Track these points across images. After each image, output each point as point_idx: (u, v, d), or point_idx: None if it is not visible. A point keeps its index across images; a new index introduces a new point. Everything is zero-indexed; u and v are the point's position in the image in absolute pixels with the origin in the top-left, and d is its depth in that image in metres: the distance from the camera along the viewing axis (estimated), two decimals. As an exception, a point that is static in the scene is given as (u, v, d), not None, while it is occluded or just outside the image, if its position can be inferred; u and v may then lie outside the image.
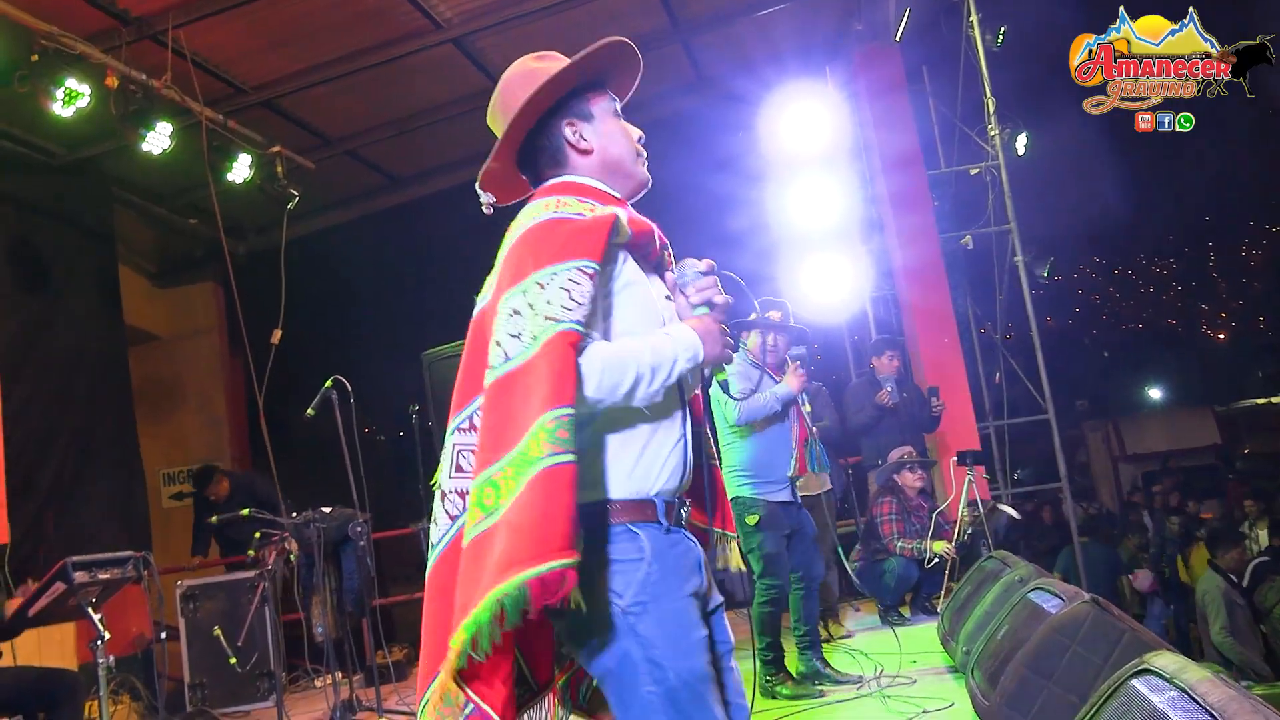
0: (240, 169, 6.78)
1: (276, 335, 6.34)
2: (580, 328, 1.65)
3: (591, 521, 1.68)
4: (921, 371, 7.82)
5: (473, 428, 1.77)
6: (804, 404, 4.75)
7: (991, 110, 7.96)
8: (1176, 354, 29.25)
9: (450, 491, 1.81)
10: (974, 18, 7.84)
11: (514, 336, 1.66)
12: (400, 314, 9.85)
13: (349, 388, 5.02)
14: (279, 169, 6.95)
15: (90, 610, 4.04)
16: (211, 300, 9.45)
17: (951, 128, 8.46)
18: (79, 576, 3.99)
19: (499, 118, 1.94)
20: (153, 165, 6.32)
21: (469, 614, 1.54)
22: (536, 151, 1.93)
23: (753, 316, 4.81)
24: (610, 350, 1.69)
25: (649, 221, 1.92)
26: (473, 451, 1.74)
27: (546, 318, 1.64)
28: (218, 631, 6.13)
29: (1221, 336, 32.59)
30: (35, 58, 5.31)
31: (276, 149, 6.95)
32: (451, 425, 1.83)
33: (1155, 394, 26.90)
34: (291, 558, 5.51)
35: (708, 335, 1.79)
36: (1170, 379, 27.29)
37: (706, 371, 1.88)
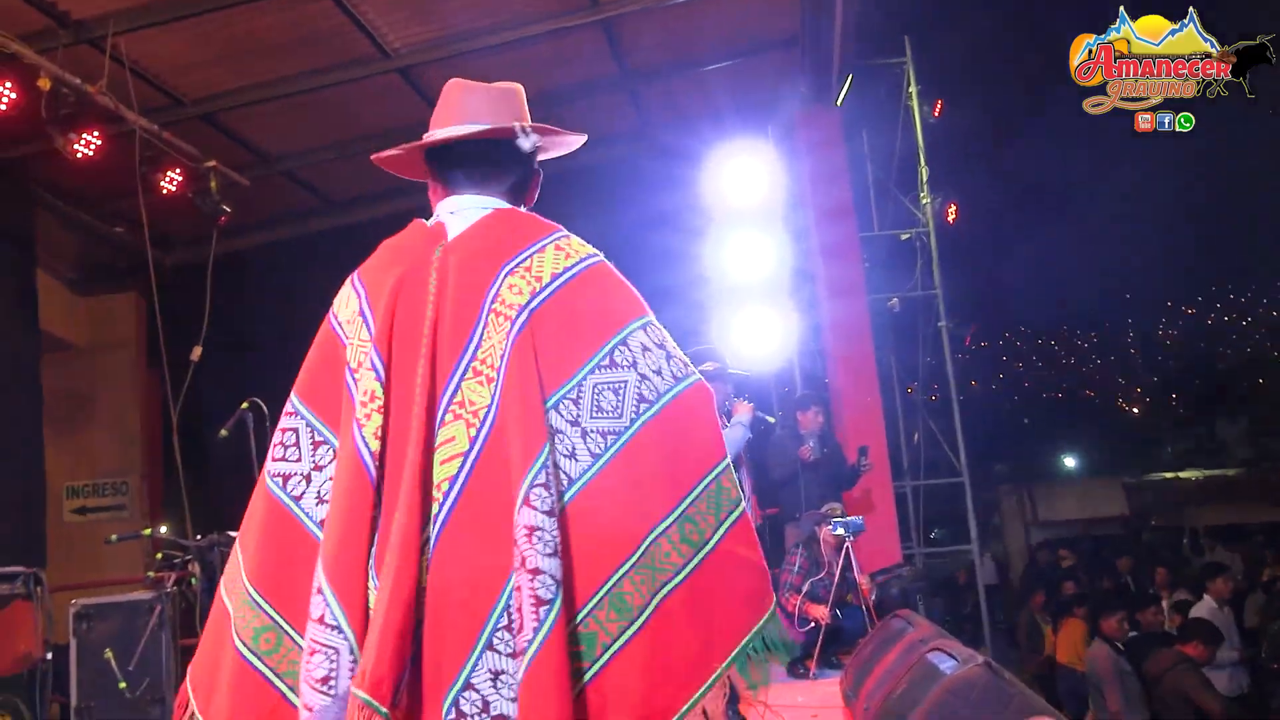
0: (171, 181, 6.67)
1: (197, 352, 6.20)
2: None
3: None
4: (844, 427, 7.93)
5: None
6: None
7: (924, 178, 8.23)
8: (1093, 425, 30.09)
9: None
10: (913, 89, 8.13)
11: (667, 373, 1.65)
12: (323, 340, 9.68)
13: (265, 411, 4.93)
14: (213, 184, 6.84)
15: (-27, 626, 3.88)
16: (132, 312, 9.22)
17: (885, 191, 8.69)
18: (-36, 590, 3.85)
19: (497, 108, 1.86)
20: (80, 170, 6.19)
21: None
22: (515, 172, 1.89)
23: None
24: None
25: None
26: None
27: (685, 363, 1.68)
28: (109, 654, 5.91)
29: (1135, 410, 33.64)
30: (-35, 53, 5.20)
31: (211, 164, 6.85)
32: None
33: (1070, 463, 27.59)
34: (193, 581, 5.35)
35: None
36: (1085, 449, 28.04)
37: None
